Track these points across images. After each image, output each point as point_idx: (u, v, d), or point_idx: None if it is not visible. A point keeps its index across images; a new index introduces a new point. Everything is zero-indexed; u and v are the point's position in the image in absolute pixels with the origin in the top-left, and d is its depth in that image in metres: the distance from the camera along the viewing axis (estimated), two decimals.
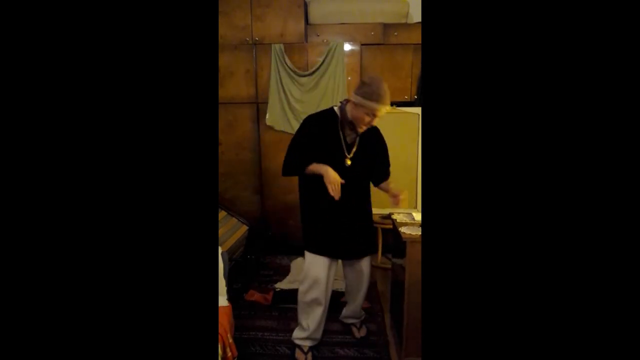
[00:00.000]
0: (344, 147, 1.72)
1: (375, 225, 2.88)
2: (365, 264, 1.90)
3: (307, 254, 1.81)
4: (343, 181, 1.63)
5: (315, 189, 1.69)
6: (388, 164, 1.90)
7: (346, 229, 1.77)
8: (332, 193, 1.61)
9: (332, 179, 1.60)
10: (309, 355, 1.89)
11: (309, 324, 1.86)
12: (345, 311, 2.10)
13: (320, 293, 1.80)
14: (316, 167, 1.67)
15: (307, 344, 1.90)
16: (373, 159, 1.80)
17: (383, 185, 1.88)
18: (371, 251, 1.92)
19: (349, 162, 1.72)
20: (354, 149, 1.74)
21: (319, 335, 1.91)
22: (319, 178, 1.64)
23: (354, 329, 2.08)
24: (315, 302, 1.82)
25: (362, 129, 1.68)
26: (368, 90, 1.59)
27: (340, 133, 1.72)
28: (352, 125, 1.69)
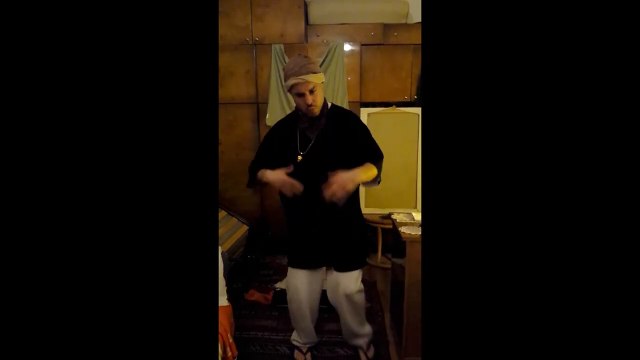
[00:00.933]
0: (298, 144, 1.56)
1: (374, 225, 2.89)
2: (344, 280, 1.60)
3: (289, 269, 1.73)
4: (287, 176, 1.45)
5: (283, 198, 1.58)
6: (370, 147, 1.58)
7: (319, 232, 1.57)
8: (286, 192, 1.45)
9: (278, 182, 1.45)
10: (308, 355, 1.89)
11: (301, 330, 1.86)
12: (343, 330, 1.85)
13: (300, 306, 1.72)
14: (261, 175, 1.54)
15: (305, 345, 1.91)
16: (340, 148, 1.54)
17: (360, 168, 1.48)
18: (353, 266, 1.62)
19: (299, 158, 1.54)
20: (311, 144, 1.55)
21: (314, 338, 1.91)
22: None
23: (361, 353, 1.86)
24: (298, 313, 1.77)
25: (312, 112, 1.49)
26: (284, 74, 1.48)
27: (297, 131, 1.58)
28: (307, 121, 1.54)
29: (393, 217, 2.06)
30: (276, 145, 1.62)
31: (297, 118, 1.60)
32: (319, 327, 2.14)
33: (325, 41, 2.96)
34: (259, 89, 3.01)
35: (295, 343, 1.92)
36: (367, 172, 1.47)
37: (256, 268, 2.93)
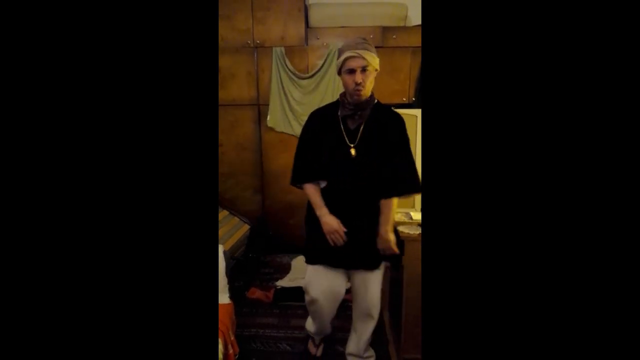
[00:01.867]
0: (345, 135, 1.43)
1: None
2: (370, 279, 1.54)
3: (307, 267, 1.60)
4: (345, 229, 1.42)
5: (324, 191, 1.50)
6: (409, 168, 1.45)
7: (351, 233, 1.45)
8: (332, 243, 1.41)
9: (330, 227, 1.40)
10: (321, 348, 1.88)
11: (317, 323, 1.80)
12: (348, 343, 1.75)
13: (317, 305, 1.62)
14: (316, 205, 1.46)
15: (318, 336, 1.88)
16: (386, 151, 1.43)
17: (386, 202, 1.43)
18: (373, 264, 1.56)
19: (353, 152, 1.41)
20: (359, 136, 1.43)
21: (329, 330, 1.85)
22: (334, 181, 1.45)
23: None
24: (313, 310, 1.69)
25: (358, 95, 1.39)
26: (339, 51, 1.40)
27: (340, 120, 1.46)
28: (351, 108, 1.43)
29: None
30: (320, 132, 1.48)
31: (338, 106, 1.48)
32: None
33: (325, 44, 2.99)
34: (260, 90, 3.04)
35: (309, 332, 1.86)
36: (389, 212, 1.44)
37: (257, 267, 2.96)
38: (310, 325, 1.83)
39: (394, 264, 1.68)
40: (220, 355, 1.50)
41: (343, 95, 1.49)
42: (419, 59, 2.93)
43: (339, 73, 1.43)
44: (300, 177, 1.52)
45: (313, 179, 1.49)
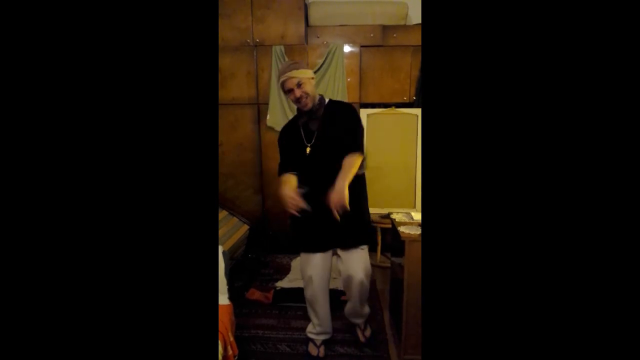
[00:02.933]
0: (304, 137, 1.72)
1: (374, 224, 2.91)
2: (353, 258, 1.73)
3: (301, 254, 1.83)
4: (301, 189, 1.60)
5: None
6: (355, 137, 1.66)
7: (324, 217, 1.57)
8: (291, 211, 1.56)
9: (284, 197, 1.58)
10: (322, 349, 1.93)
11: (317, 318, 1.90)
12: (346, 308, 1.98)
13: (314, 290, 1.81)
14: (281, 182, 1.66)
15: (319, 338, 1.93)
16: (340, 137, 1.65)
17: (345, 161, 1.59)
18: (360, 242, 1.74)
19: (308, 150, 1.70)
20: (315, 135, 1.69)
21: (329, 328, 1.93)
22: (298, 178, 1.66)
23: (359, 332, 2.00)
24: (313, 298, 1.84)
25: (305, 105, 1.65)
26: (278, 74, 1.68)
27: (300, 125, 1.74)
28: (305, 116, 1.70)
29: (392, 216, 2.08)
30: (287, 143, 1.78)
31: (298, 116, 1.76)
32: None
33: (325, 42, 2.98)
34: (260, 90, 3.03)
35: (310, 335, 1.95)
36: (351, 170, 1.56)
37: (257, 267, 2.95)
38: (311, 327, 1.94)
39: (370, 244, 1.84)
40: (220, 357, 1.50)
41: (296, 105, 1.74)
42: (419, 58, 2.92)
43: (285, 94, 1.70)
44: (281, 169, 1.77)
45: (285, 172, 1.72)
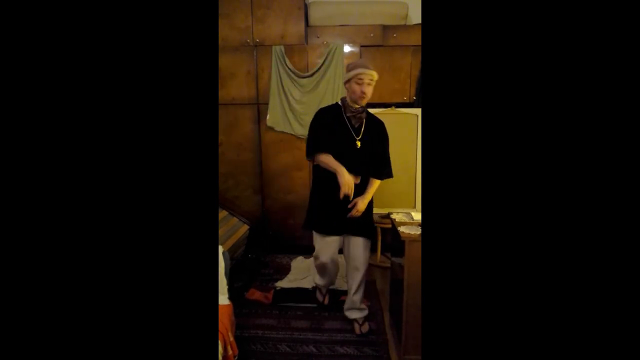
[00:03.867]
0: (352, 132, 1.91)
1: (374, 224, 2.92)
2: (360, 246, 1.99)
3: (314, 233, 2.05)
4: (357, 180, 1.89)
5: (327, 174, 1.90)
6: (387, 160, 2.00)
7: (344, 207, 1.91)
8: (345, 192, 1.81)
9: (347, 180, 1.82)
10: (327, 297, 2.31)
11: (323, 277, 2.22)
12: (346, 301, 2.16)
13: (323, 263, 2.08)
14: (333, 164, 1.87)
15: (325, 286, 2.29)
16: (375, 146, 1.95)
17: (373, 181, 1.97)
18: (366, 235, 2.00)
19: (359, 144, 1.90)
20: (361, 133, 1.92)
21: (333, 283, 2.30)
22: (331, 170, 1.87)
23: (356, 325, 2.11)
24: (322, 268, 2.13)
25: (362, 100, 1.86)
26: (349, 66, 1.88)
27: (347, 120, 1.92)
28: (354, 111, 1.90)
29: (392, 216, 2.08)
30: (330, 126, 1.92)
31: (341, 110, 1.94)
32: (319, 326, 2.17)
33: (325, 42, 2.98)
34: (260, 90, 3.03)
35: (317, 283, 2.29)
36: (374, 190, 1.97)
37: (257, 267, 2.95)
38: (318, 279, 2.28)
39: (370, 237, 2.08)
40: (220, 357, 1.50)
41: (344, 99, 1.95)
42: (419, 58, 2.92)
43: (347, 82, 1.89)
44: (314, 149, 1.94)
45: (325, 151, 1.91)
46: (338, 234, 2.01)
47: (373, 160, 1.94)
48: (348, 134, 1.90)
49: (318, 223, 2.01)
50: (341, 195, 1.82)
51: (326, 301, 2.30)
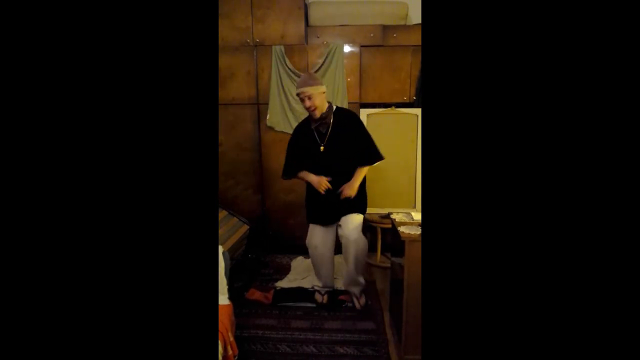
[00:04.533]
0: (317, 138, 2.21)
1: (374, 224, 2.92)
2: (347, 221, 2.21)
3: (310, 225, 2.35)
4: (329, 178, 2.15)
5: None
6: (367, 145, 2.20)
7: (331, 200, 2.18)
8: (321, 191, 2.14)
9: (316, 183, 2.16)
10: (325, 297, 2.40)
11: (320, 277, 2.41)
12: (344, 278, 2.38)
13: (318, 254, 2.33)
14: (304, 176, 2.23)
15: (323, 289, 2.41)
16: (349, 140, 2.18)
17: (358, 170, 2.20)
18: (354, 210, 2.23)
19: (322, 148, 2.19)
20: (327, 136, 2.18)
21: (331, 284, 2.44)
22: (313, 171, 2.18)
23: (355, 300, 2.34)
24: (317, 261, 2.36)
25: (314, 114, 2.13)
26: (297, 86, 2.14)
27: (313, 128, 2.20)
28: (316, 121, 2.16)
29: (392, 216, 2.08)
30: (300, 141, 2.25)
31: (310, 120, 2.22)
32: (319, 326, 2.17)
33: (325, 42, 2.98)
34: (260, 90, 3.03)
35: (315, 288, 2.45)
36: (360, 176, 2.19)
37: (257, 267, 2.95)
38: (316, 281, 2.46)
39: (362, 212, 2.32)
40: (220, 357, 1.50)
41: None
42: (419, 58, 2.92)
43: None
44: (289, 172, 2.29)
45: (298, 171, 2.26)
46: (330, 223, 2.30)
47: (350, 154, 2.17)
48: (313, 143, 2.21)
49: (312, 217, 2.34)
50: (322, 192, 2.14)
51: (325, 300, 2.41)
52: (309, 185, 2.26)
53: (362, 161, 2.19)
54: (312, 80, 2.10)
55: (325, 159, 2.18)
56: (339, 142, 2.17)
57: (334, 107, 2.23)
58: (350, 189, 2.14)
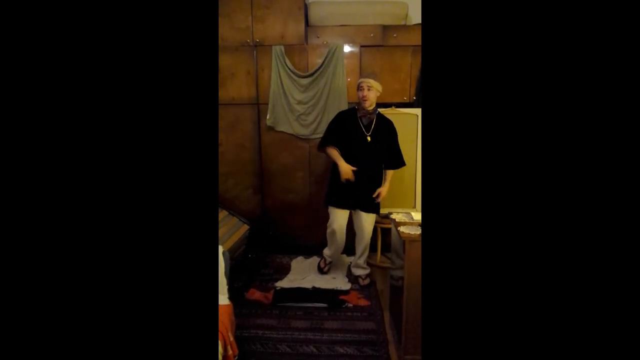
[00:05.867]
0: (363, 129, 2.47)
1: (374, 225, 2.92)
2: (367, 220, 2.54)
3: (330, 207, 2.61)
4: (355, 168, 2.42)
5: (345, 159, 2.47)
6: (397, 152, 2.54)
7: (360, 188, 2.46)
8: (342, 179, 2.42)
9: (344, 169, 2.42)
10: (328, 267, 2.81)
11: (331, 249, 2.72)
12: (352, 262, 2.75)
13: (335, 235, 2.63)
14: (334, 157, 2.48)
15: (329, 259, 2.79)
16: (387, 141, 2.50)
17: (389, 172, 2.58)
18: (374, 211, 2.55)
19: (369, 139, 2.46)
20: (371, 130, 2.47)
21: (338, 256, 2.81)
22: (354, 156, 2.45)
23: (360, 280, 2.66)
24: (332, 236, 2.64)
25: (364, 104, 2.42)
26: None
27: (359, 120, 2.48)
28: (363, 112, 2.46)
29: (392, 216, 2.08)
30: (346, 126, 2.50)
31: (355, 112, 2.50)
32: (319, 326, 2.17)
33: (325, 42, 2.98)
34: (260, 90, 3.03)
35: (324, 253, 2.79)
36: (390, 179, 2.58)
37: (257, 267, 2.95)
38: (326, 250, 2.79)
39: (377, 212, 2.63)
40: (220, 357, 1.50)
41: (359, 104, 2.50)
42: (419, 58, 2.92)
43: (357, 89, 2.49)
44: (326, 142, 2.53)
45: (333, 145, 2.51)
46: (348, 208, 2.58)
47: (384, 153, 2.50)
48: (359, 131, 2.46)
49: (333, 200, 2.59)
50: (342, 180, 2.41)
51: (326, 269, 2.80)
52: (335, 169, 2.51)
53: (392, 164, 2.55)
54: (376, 78, 2.43)
55: (369, 149, 2.46)
56: (380, 139, 2.47)
57: (378, 111, 2.55)
58: (385, 191, 2.50)
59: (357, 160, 2.44)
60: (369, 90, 2.39)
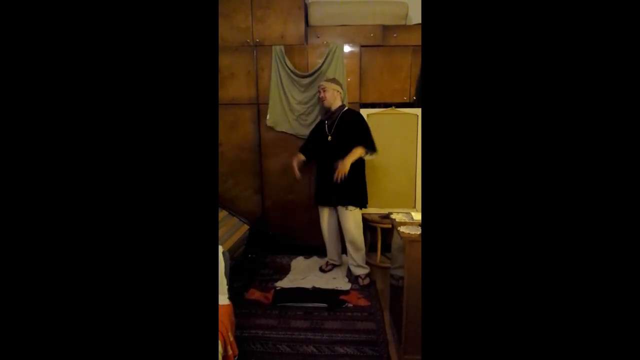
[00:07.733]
0: (326, 130, 2.65)
1: (374, 224, 2.92)
2: (345, 214, 2.61)
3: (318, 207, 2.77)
4: (295, 165, 2.71)
5: (314, 162, 2.76)
6: (362, 135, 2.56)
7: (327, 185, 2.59)
8: (294, 172, 2.71)
9: (292, 164, 2.71)
10: (328, 268, 2.88)
11: (328, 251, 2.86)
12: (349, 261, 2.79)
13: (325, 232, 2.79)
14: (297, 156, 2.74)
15: (331, 260, 2.90)
16: (351, 133, 2.56)
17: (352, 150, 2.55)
18: (350, 203, 2.60)
19: (329, 138, 2.62)
20: (333, 129, 2.62)
21: (336, 259, 2.89)
22: (321, 156, 2.66)
23: (360, 279, 2.68)
24: (324, 237, 2.81)
25: (322, 103, 2.67)
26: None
27: (325, 122, 2.68)
28: (325, 114, 2.69)
29: (392, 216, 2.08)
30: (315, 131, 2.76)
31: (326, 117, 2.70)
32: (319, 326, 2.17)
33: (325, 42, 2.98)
34: (260, 90, 3.03)
35: (328, 257, 2.89)
36: (355, 154, 2.49)
37: (257, 267, 2.95)
38: (327, 253, 2.90)
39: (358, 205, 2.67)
40: (220, 357, 1.50)
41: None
42: (419, 58, 2.92)
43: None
44: (300, 149, 2.78)
45: (305, 151, 2.76)
46: (324, 205, 2.71)
47: (346, 148, 2.51)
48: (323, 132, 2.67)
49: (315, 199, 2.78)
50: (296, 175, 2.71)
51: (326, 268, 2.88)
52: (316, 167, 2.75)
53: (357, 143, 2.52)
54: (332, 80, 2.64)
55: (330, 147, 2.59)
56: (343, 134, 2.57)
57: (345, 108, 2.65)
58: (342, 165, 2.45)
59: (320, 159, 2.66)
60: (324, 91, 2.60)
